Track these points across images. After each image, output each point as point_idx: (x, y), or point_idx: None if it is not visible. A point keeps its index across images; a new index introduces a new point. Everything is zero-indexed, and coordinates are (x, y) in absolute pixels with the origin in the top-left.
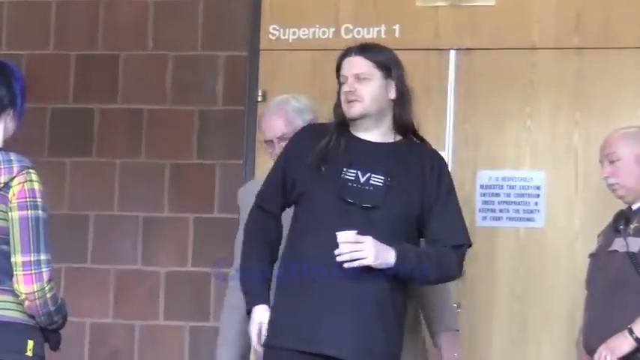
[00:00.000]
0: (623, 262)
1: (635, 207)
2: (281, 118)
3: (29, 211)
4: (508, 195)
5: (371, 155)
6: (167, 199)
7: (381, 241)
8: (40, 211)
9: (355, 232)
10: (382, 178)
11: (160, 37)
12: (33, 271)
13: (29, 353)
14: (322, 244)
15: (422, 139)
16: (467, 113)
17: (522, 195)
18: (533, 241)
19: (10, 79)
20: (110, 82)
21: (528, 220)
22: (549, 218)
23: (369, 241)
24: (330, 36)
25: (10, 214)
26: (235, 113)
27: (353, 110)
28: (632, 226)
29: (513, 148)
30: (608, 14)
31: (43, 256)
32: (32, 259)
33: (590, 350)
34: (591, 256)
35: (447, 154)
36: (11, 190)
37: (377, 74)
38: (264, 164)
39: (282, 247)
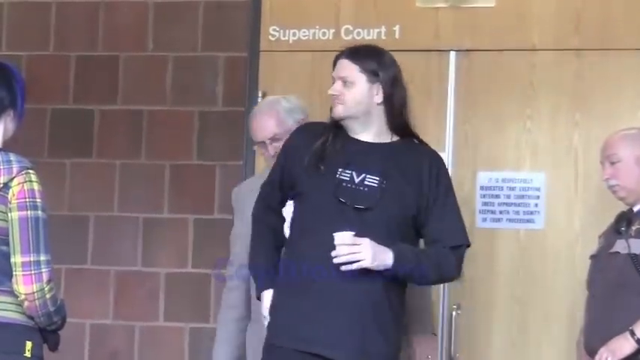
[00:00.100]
0: (625, 264)
1: (636, 208)
2: (272, 118)
3: (29, 212)
4: (508, 196)
5: (366, 156)
6: (167, 200)
7: (376, 242)
8: (39, 212)
9: (352, 233)
10: (377, 178)
11: (160, 38)
12: (32, 272)
13: (27, 354)
14: (319, 245)
15: (420, 140)
16: (467, 114)
17: (522, 196)
18: (533, 242)
19: (11, 80)
20: (110, 83)
21: (528, 221)
22: (549, 220)
23: (366, 243)
24: (330, 37)
25: (9, 214)
26: (235, 114)
27: (336, 111)
28: (633, 228)
29: (513, 150)
30: (608, 16)
31: (42, 257)
32: (32, 259)
33: (591, 351)
34: (592, 257)
35: (446, 156)
36: (11, 190)
37: (362, 78)
38: (264, 165)
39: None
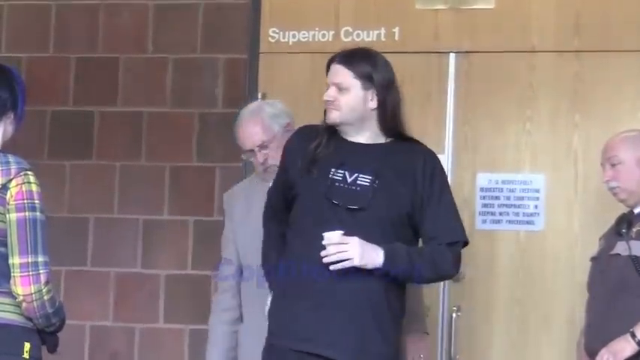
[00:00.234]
0: (626, 266)
1: (637, 210)
2: (257, 125)
3: (27, 213)
4: (508, 198)
5: (360, 156)
6: (167, 202)
7: (370, 242)
8: (37, 213)
9: (341, 232)
10: (370, 178)
11: (159, 40)
12: (30, 273)
13: (26, 355)
14: (313, 246)
15: (415, 141)
16: (466, 116)
17: (522, 198)
18: (533, 244)
19: (13, 82)
20: (110, 84)
21: (528, 223)
22: (549, 221)
23: (354, 241)
24: (330, 39)
25: (7, 215)
26: (235, 116)
27: (330, 117)
28: (634, 230)
29: (513, 151)
30: (608, 17)
31: (40, 258)
32: (30, 260)
33: (592, 353)
34: (593, 259)
35: (446, 157)
36: (9, 191)
37: (356, 85)
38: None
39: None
